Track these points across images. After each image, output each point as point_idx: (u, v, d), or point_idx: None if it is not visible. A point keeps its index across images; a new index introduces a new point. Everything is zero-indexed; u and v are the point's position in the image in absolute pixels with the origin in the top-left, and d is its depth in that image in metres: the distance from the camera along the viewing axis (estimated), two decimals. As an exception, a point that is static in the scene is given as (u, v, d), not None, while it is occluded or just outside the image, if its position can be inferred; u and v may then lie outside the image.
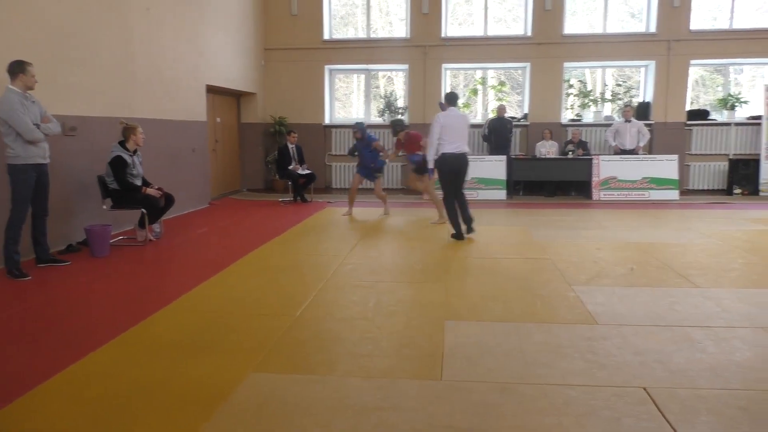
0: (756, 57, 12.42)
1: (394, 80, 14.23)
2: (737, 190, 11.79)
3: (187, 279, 5.31)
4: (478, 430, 2.64)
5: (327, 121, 13.27)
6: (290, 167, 10.89)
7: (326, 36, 13.05)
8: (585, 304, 4.49)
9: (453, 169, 7.13)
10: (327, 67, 13.18)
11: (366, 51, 12.96)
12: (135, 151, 6.87)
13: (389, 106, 13.11)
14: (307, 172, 11.08)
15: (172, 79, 9.08)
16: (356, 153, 9.39)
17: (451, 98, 7.29)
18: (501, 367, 3.32)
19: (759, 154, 11.83)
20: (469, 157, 7.35)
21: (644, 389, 3.03)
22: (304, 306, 4.49)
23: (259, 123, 12.82)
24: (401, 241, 7.31)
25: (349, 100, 14.48)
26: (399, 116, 12.51)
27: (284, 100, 13.00)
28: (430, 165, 7.29)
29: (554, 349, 3.59)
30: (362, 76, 13.80)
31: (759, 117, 12.01)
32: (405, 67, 13.05)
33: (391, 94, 13.51)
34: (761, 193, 11.61)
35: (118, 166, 6.63)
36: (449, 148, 7.05)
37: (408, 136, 9.22)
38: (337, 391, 3.04)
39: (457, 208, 7.21)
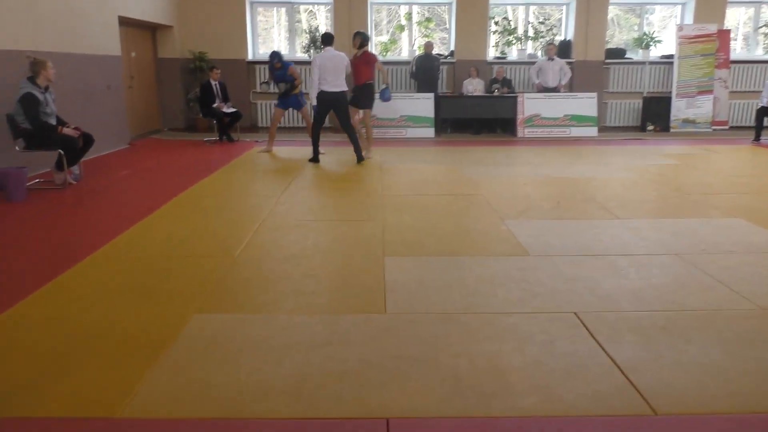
0: (669, -3, 12.86)
1: (317, 15, 13.79)
2: (650, 127, 12.41)
3: (115, 223, 5.10)
4: (426, 357, 2.75)
5: (250, 56, 12.77)
6: (214, 105, 10.48)
7: (246, -35, 12.39)
8: (517, 237, 4.68)
9: (330, 105, 8.11)
10: (248, 0, 12.57)
11: (289, -17, 12.43)
12: (47, 88, 6.40)
13: (314, 41, 12.74)
14: (233, 110, 10.71)
15: (80, 9, 8.41)
16: (275, 83, 9.37)
17: (326, 39, 8.22)
18: (442, 299, 3.44)
19: (670, 92, 12.43)
20: (345, 94, 8.19)
21: (575, 314, 3.23)
22: (242, 246, 4.44)
23: (177, 58, 12.17)
24: (333, 180, 7.29)
25: (270, 35, 13.95)
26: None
27: (204, 33, 12.35)
28: (313, 102, 8.10)
29: (491, 280, 3.75)
30: (283, 10, 13.28)
31: (671, 56, 12.56)
32: (330, 1, 12.65)
33: (315, 29, 13.11)
34: (672, 130, 12.28)
35: (30, 103, 6.17)
36: (327, 87, 7.94)
37: (365, 57, 8.59)
38: (284, 328, 3.07)
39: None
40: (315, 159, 8.39)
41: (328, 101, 8.03)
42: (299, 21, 13.74)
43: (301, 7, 13.61)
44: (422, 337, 2.97)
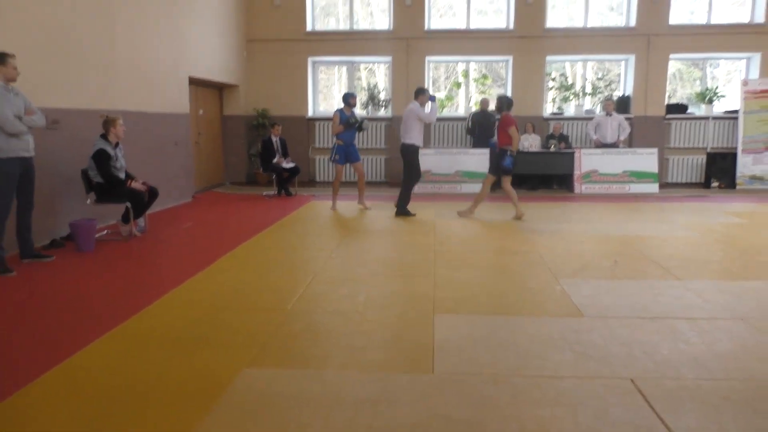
0: (732, 51, 12.64)
1: (376, 72, 14.23)
2: (715, 184, 12.02)
3: (175, 274, 5.30)
4: (475, 421, 2.70)
5: (310, 113, 13.24)
6: (274, 160, 10.86)
7: (309, 27, 12.99)
8: (571, 297, 4.58)
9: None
10: (310, 59, 13.13)
11: (349, 43, 12.94)
12: (117, 144, 6.81)
13: (372, 98, 13.12)
14: (292, 165, 11.06)
15: (154, 70, 8.99)
16: (354, 124, 9.06)
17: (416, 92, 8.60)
18: (493, 360, 3.39)
19: (736, 148, 12.07)
20: (408, 146, 8.48)
21: (631, 380, 3.12)
22: (294, 300, 4.52)
23: (241, 115, 12.75)
24: (387, 235, 7.35)
25: (331, 92, 14.45)
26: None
27: (267, 92, 12.94)
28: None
29: (544, 342, 3.67)
30: (344, 68, 13.78)
31: (735, 111, 12.25)
32: (388, 59, 13.05)
33: (374, 86, 13.51)
34: (738, 187, 11.86)
35: (102, 159, 6.56)
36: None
37: (507, 119, 8.32)
38: (333, 384, 3.08)
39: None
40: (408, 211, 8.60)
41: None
42: (359, 78, 14.20)
43: (361, 65, 14.09)
44: (470, 398, 2.92)
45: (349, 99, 9.01)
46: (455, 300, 4.55)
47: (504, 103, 8.40)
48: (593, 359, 3.40)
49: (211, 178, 12.08)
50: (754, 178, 11.89)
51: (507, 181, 8.37)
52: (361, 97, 13.42)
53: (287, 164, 10.97)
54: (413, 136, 8.39)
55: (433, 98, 8.69)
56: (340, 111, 8.94)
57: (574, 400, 2.91)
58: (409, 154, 8.44)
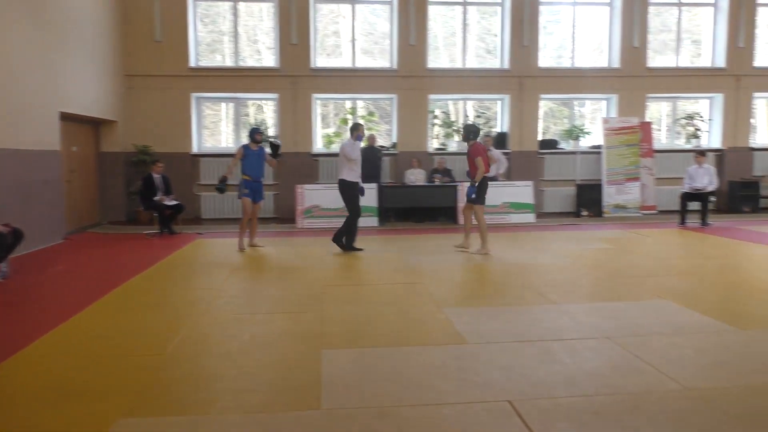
0: (594, 93, 13.85)
1: (264, 108, 14.18)
2: (584, 212, 12.95)
3: (42, 321, 4.89)
4: (358, 456, 2.69)
5: (195, 149, 12.90)
6: (156, 198, 10.43)
7: (192, 63, 12.74)
8: (455, 325, 4.72)
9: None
10: (194, 95, 12.85)
11: (235, 79, 12.82)
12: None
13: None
14: (175, 202, 10.67)
15: (20, 105, 8.41)
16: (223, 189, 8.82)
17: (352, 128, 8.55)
18: (379, 392, 3.41)
19: (601, 180, 13.11)
20: (340, 182, 8.45)
21: (509, 402, 3.24)
22: (175, 343, 4.32)
23: (120, 152, 12.17)
24: (276, 271, 7.25)
25: (218, 128, 14.20)
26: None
27: (148, 128, 12.46)
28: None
29: (428, 371, 3.74)
30: (231, 105, 13.61)
31: (599, 146, 13.35)
32: (275, 96, 13.05)
33: (261, 122, 13.43)
34: (604, 215, 12.85)
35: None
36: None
37: (475, 148, 8.15)
38: (213, 430, 2.96)
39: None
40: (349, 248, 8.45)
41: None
42: (247, 114, 14.06)
43: (249, 102, 13.98)
44: (356, 433, 2.91)
45: (254, 135, 8.81)
46: (342, 335, 4.55)
47: (470, 131, 8.30)
48: (475, 385, 3.51)
49: (86, 218, 11.36)
50: (618, 207, 12.94)
51: (478, 211, 8.15)
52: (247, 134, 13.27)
53: (169, 202, 10.58)
54: (344, 172, 8.34)
55: (360, 137, 8.59)
56: (245, 146, 8.77)
57: (457, 427, 2.98)
58: (343, 190, 8.38)
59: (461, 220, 8.35)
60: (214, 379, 3.65)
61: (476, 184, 7.99)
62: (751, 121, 14.29)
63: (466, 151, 8.26)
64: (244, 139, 13.25)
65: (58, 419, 3.08)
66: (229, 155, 12.79)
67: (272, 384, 3.58)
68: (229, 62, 13.27)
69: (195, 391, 3.47)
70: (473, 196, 8.09)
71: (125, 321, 4.95)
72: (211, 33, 13.57)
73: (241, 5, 13.22)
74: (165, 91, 12.50)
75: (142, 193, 10.67)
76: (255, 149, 8.76)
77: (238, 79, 12.81)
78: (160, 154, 11.86)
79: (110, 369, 3.79)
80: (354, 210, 8.46)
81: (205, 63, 13.15)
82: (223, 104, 13.81)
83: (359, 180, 8.47)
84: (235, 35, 13.13)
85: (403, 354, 4.06)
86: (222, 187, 8.76)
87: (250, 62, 13.52)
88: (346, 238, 8.45)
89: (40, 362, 3.94)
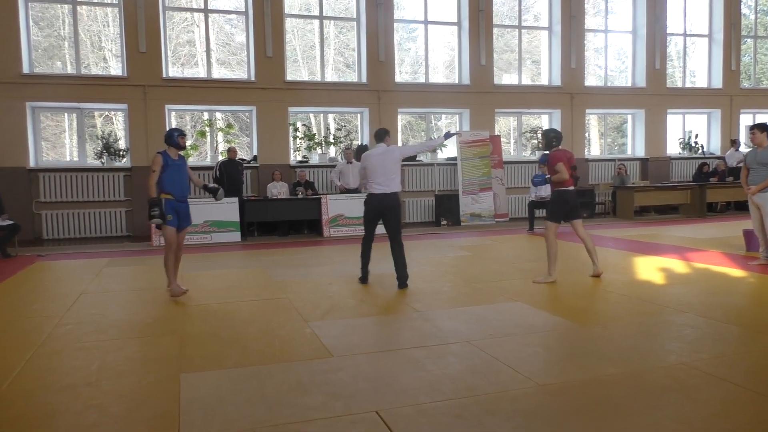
0: (448, 107, 14.54)
1: (113, 120, 13.28)
2: (444, 221, 13.51)
3: None
4: (221, 484, 2.55)
5: (32, 164, 11.76)
6: (-15, 218, 9.35)
7: (26, 70, 11.63)
8: (321, 339, 4.67)
9: (373, 209, 6.77)
10: (29, 104, 11.72)
11: (77, 88, 11.87)
12: None
13: (108, 147, 12.17)
14: (9, 222, 9.63)
15: None
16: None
17: (377, 135, 6.95)
18: (241, 415, 3.26)
19: (458, 190, 13.76)
20: (397, 196, 6.77)
21: (376, 413, 3.25)
22: (9, 380, 3.85)
23: (-60, 167, 10.80)
24: (129, 293, 6.76)
25: (61, 140, 13.08)
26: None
27: (-26, 140, 11.17)
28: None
29: (294, 387, 3.66)
30: (74, 115, 12.59)
31: (455, 158, 14.02)
32: (124, 106, 12.27)
33: (109, 134, 12.57)
34: (462, 223, 13.49)
35: None
36: (370, 188, 6.74)
37: (556, 155, 6.86)
38: (55, 473, 2.67)
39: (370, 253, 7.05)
40: (365, 279, 6.99)
41: (371, 202, 6.78)
42: (94, 126, 13.08)
43: (96, 113, 13.01)
44: (218, 460, 2.76)
45: (177, 138, 6.37)
46: (203, 356, 4.32)
47: (552, 138, 6.94)
48: (342, 397, 3.48)
49: None
50: (474, 215, 13.66)
51: (550, 228, 6.88)
52: (96, 146, 12.37)
53: (3, 221, 9.53)
54: (398, 182, 6.85)
55: (447, 135, 7.13)
56: (163, 154, 6.32)
57: (324, 442, 2.93)
58: (399, 204, 6.86)
59: (548, 244, 6.83)
60: (57, 416, 3.30)
61: (548, 177, 6.86)
62: (585, 134, 15.77)
63: (546, 161, 6.99)
64: (90, 152, 12.36)
65: None
66: (76, 170, 11.91)
67: (124, 415, 3.30)
68: (70, 69, 12.28)
69: (34, 431, 3.11)
70: (538, 180, 7.11)
71: (-54, 359, 4.35)
72: (48, 37, 12.49)
73: (82, 9, 12.31)
74: (-6, 99, 11.28)
75: (-33, 213, 9.52)
76: (176, 159, 6.40)
77: (81, 88, 11.90)
78: (-11, 170, 10.67)
79: (-74, 416, 3.30)
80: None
81: (41, 70, 12.06)
82: (66, 114, 12.73)
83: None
84: (76, 40, 12.18)
85: (268, 372, 3.94)
86: (158, 214, 6.21)
87: (95, 70, 12.62)
88: (404, 267, 6.77)
89: None
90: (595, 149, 16.60)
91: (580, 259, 8.16)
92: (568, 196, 6.81)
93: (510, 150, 15.59)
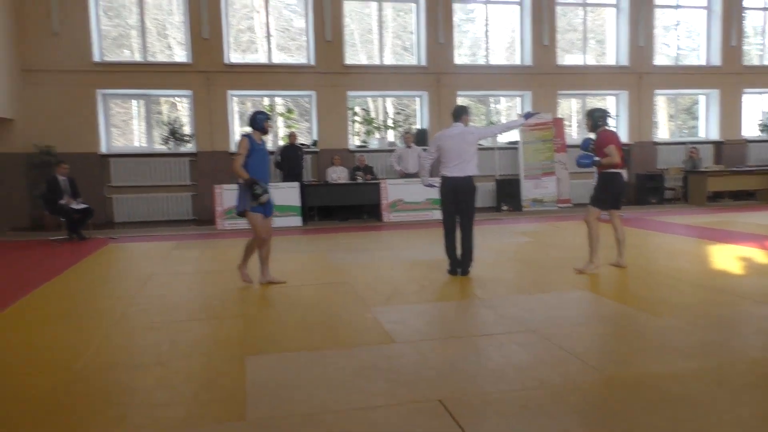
0: (509, 90, 14.22)
1: (179, 106, 13.63)
2: (504, 207, 13.27)
3: (-71, 342, 4.44)
4: (288, 468, 2.57)
5: (103, 149, 12.21)
6: (62, 202, 9.78)
7: (96, 58, 12.05)
8: (383, 324, 4.65)
9: (448, 194, 6.42)
10: (99, 92, 12.15)
11: (144, 75, 12.23)
12: None
13: (174, 133, 12.50)
14: (83, 206, 10.05)
15: None
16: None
17: (455, 113, 6.60)
18: (305, 399, 3.28)
19: (519, 175, 13.47)
20: (472, 180, 6.42)
21: (440, 401, 3.20)
22: (86, 357, 4.01)
23: (19, 153, 11.34)
24: (195, 275, 6.94)
25: (129, 126, 13.53)
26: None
27: (51, 127, 11.66)
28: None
29: (357, 373, 3.65)
30: (142, 102, 12.99)
31: (516, 142, 13.70)
32: (189, 93, 12.56)
33: (175, 120, 12.90)
34: (524, 209, 13.22)
35: None
36: (444, 171, 6.41)
37: (604, 135, 6.43)
38: (129, 450, 2.75)
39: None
40: (453, 270, 6.50)
41: (445, 186, 6.43)
42: (160, 112, 13.47)
43: (161, 99, 13.39)
44: (284, 443, 2.78)
45: (263, 122, 5.99)
46: (267, 339, 4.38)
47: (597, 117, 6.51)
48: (404, 384, 3.45)
49: (-17, 225, 10.53)
50: (536, 201, 13.35)
51: (591, 214, 6.46)
52: (162, 132, 12.74)
53: (77, 205, 9.95)
54: (475, 165, 6.50)
55: (528, 115, 6.91)
56: (249, 137, 5.96)
57: (387, 429, 2.90)
58: (474, 189, 6.50)
59: (590, 229, 6.42)
60: (128, 394, 3.41)
61: (597, 159, 6.36)
62: (653, 117, 15.12)
63: (588, 146, 6.65)
64: (156, 138, 12.74)
65: (-51, 451, 2.77)
66: (144, 155, 12.32)
67: (192, 395, 3.38)
68: (138, 57, 12.65)
69: (107, 409, 3.22)
70: (585, 161, 6.49)
71: (30, 336, 4.57)
72: (117, 27, 12.88)
73: (148, -3, 12.63)
74: (67, 87, 11.75)
75: (46, 196, 9.98)
76: (260, 143, 6.04)
77: (148, 75, 12.25)
78: (64, 155, 11.14)
79: (11, 390, 3.47)
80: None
81: (111, 58, 12.46)
82: (134, 101, 13.15)
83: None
84: (142, 28, 12.52)
85: (331, 357, 3.95)
86: (262, 191, 5.84)
87: (161, 57, 12.96)
88: (470, 254, 6.48)
89: (-72, 387, 3.55)
90: (663, 132, 15.90)
91: (648, 247, 7.86)
92: (618, 180, 6.40)
93: (573, 133, 15.12)
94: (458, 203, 6.39)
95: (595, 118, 6.50)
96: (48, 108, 11.67)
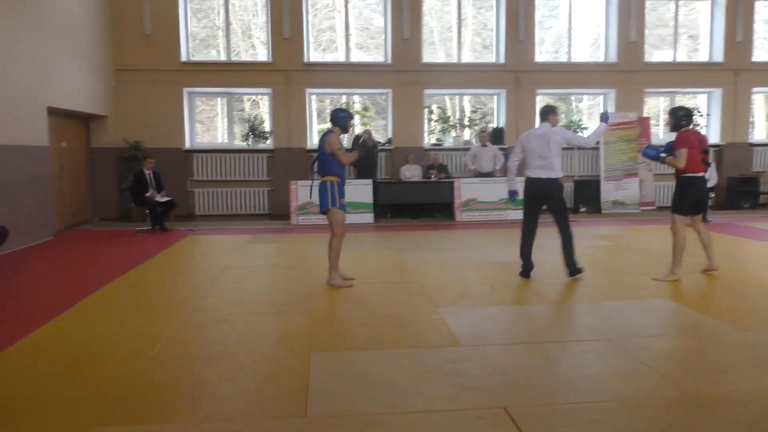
0: (591, 88, 13.69)
1: (260, 104, 13.99)
2: (582, 209, 12.81)
3: (21, 325, 4.73)
4: (344, 469, 2.54)
5: (187, 145, 12.72)
6: (147, 194, 10.26)
7: (184, 58, 12.55)
8: (449, 326, 4.56)
9: (530, 195, 6.26)
10: (186, 90, 12.65)
11: (227, 74, 12.64)
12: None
13: (253, 130, 12.85)
14: (166, 199, 10.50)
15: (5, 100, 8.22)
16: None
17: (542, 112, 6.35)
18: (367, 399, 3.25)
19: (599, 176, 12.96)
20: (558, 181, 6.16)
21: (504, 409, 3.09)
22: (159, 346, 4.16)
23: (111, 148, 11.98)
24: (269, 269, 7.09)
25: (214, 123, 14.02)
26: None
27: (140, 123, 12.27)
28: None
29: (420, 375, 3.59)
30: (225, 99, 13.43)
31: (597, 142, 13.17)
32: (268, 90, 12.88)
33: (255, 117, 13.26)
34: (603, 211, 12.70)
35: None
36: (527, 172, 6.24)
37: (683, 137, 6.09)
38: (193, 440, 2.81)
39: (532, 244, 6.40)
40: (525, 273, 6.34)
41: (528, 187, 6.27)
42: (242, 110, 13.89)
43: (245, 97, 13.81)
44: (343, 443, 2.76)
45: (346, 120, 5.99)
46: (332, 336, 4.39)
47: (681, 117, 6.18)
48: (468, 390, 3.36)
49: (78, 215, 11.19)
50: (617, 203, 12.80)
51: (677, 222, 6.16)
52: (243, 129, 13.13)
53: (161, 198, 10.41)
54: (559, 167, 6.20)
55: (605, 117, 6.47)
56: (335, 134, 5.93)
57: (449, 436, 2.83)
58: (560, 187, 6.24)
59: (675, 237, 6.13)
60: (197, 385, 3.49)
61: (663, 155, 6.18)
62: (750, 116, 14.16)
63: (671, 148, 6.29)
64: (238, 135, 13.13)
65: (32, 428, 2.92)
66: (224, 151, 12.75)
67: (257, 389, 3.42)
68: (223, 57, 13.08)
69: (176, 398, 3.31)
70: (651, 153, 6.25)
71: (108, 323, 4.79)
72: (205, 28, 13.37)
73: (234, -1, 13.03)
74: (156, 85, 12.31)
75: (132, 189, 10.51)
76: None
77: (231, 74, 12.64)
78: (151, 150, 11.69)
79: (89, 374, 3.64)
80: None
81: (197, 57, 12.95)
82: (219, 99, 13.61)
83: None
84: (227, 29, 12.93)
85: (395, 357, 3.91)
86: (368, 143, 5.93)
87: (244, 57, 13.35)
88: (571, 253, 6.27)
89: (14, 370, 3.78)
90: (760, 132, 14.86)
91: (739, 254, 7.36)
92: (696, 185, 6.06)
93: (659, 133, 14.38)
94: (548, 205, 6.22)
95: (678, 117, 6.18)
96: (138, 105, 12.28)
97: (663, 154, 6.12)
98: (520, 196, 6.51)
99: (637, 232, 9.79)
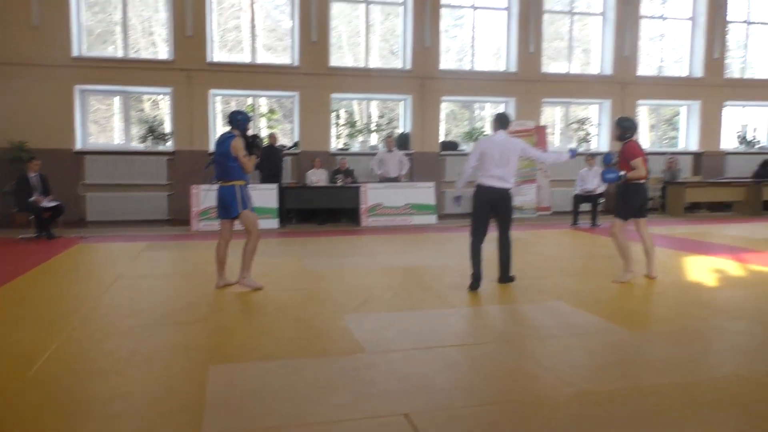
0: (493, 96, 14.19)
1: (161, 104, 13.41)
2: (484, 213, 13.19)
3: None
4: (240, 488, 2.44)
5: (79, 146, 11.97)
6: (32, 199, 9.54)
7: (76, 53, 11.81)
8: (354, 333, 4.53)
9: (484, 204, 6.17)
10: (77, 87, 11.91)
11: (124, 72, 12.02)
12: None
13: (152, 131, 12.29)
14: (54, 203, 9.81)
15: None
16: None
17: (501, 119, 6.32)
18: (268, 411, 3.16)
19: (500, 181, 13.40)
20: (510, 192, 6.18)
21: (405, 416, 3.10)
22: (39, 363, 3.84)
23: (-8, 148, 11.08)
24: (166, 278, 6.78)
25: (110, 123, 13.29)
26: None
27: (25, 122, 11.40)
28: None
29: (323, 384, 3.53)
30: (122, 98, 12.75)
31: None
32: (169, 90, 12.36)
33: (154, 118, 12.70)
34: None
35: None
36: (481, 179, 6.14)
37: (631, 147, 6.27)
38: (74, 466, 2.61)
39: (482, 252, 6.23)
40: (475, 285, 6.05)
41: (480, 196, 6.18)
42: (142, 110, 13.25)
43: (144, 97, 13.17)
44: (239, 460, 2.65)
45: (245, 123, 5.93)
46: (233, 347, 4.25)
47: (627, 128, 6.32)
48: (371, 397, 3.34)
49: (-49, 221, 10.25)
50: (515, 208, 13.25)
51: (616, 226, 6.44)
52: (140, 130, 12.53)
53: (48, 203, 9.71)
54: (513, 177, 6.23)
55: (573, 153, 6.59)
56: (237, 137, 5.83)
57: (350, 446, 2.79)
58: (511, 198, 6.25)
59: (617, 241, 6.43)
60: (82, 404, 3.26)
61: (623, 173, 6.20)
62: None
63: (611, 160, 6.52)
64: (135, 136, 12.51)
65: None
66: (120, 153, 12.11)
67: (148, 407, 3.24)
68: (120, 53, 12.42)
69: (57, 420, 3.07)
70: (613, 177, 6.24)
71: (-17, 339, 4.39)
72: (101, 23, 12.65)
73: (132, -7, 12.42)
74: (44, 81, 11.51)
75: (16, 193, 9.74)
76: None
77: (128, 72, 12.03)
78: (38, 151, 10.90)
79: (-44, 397, 3.30)
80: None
81: (92, 53, 12.23)
82: (117, 98, 12.90)
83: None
84: (125, 24, 12.30)
85: (298, 366, 3.83)
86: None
87: (144, 54, 12.75)
88: (507, 264, 6.35)
89: None
90: (644, 142, 15.97)
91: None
92: (643, 191, 6.35)
93: (555, 141, 15.13)
94: (498, 213, 6.23)
95: (624, 128, 6.32)
96: (23, 102, 11.41)
97: (622, 173, 6.25)
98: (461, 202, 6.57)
99: (534, 236, 10.21)
